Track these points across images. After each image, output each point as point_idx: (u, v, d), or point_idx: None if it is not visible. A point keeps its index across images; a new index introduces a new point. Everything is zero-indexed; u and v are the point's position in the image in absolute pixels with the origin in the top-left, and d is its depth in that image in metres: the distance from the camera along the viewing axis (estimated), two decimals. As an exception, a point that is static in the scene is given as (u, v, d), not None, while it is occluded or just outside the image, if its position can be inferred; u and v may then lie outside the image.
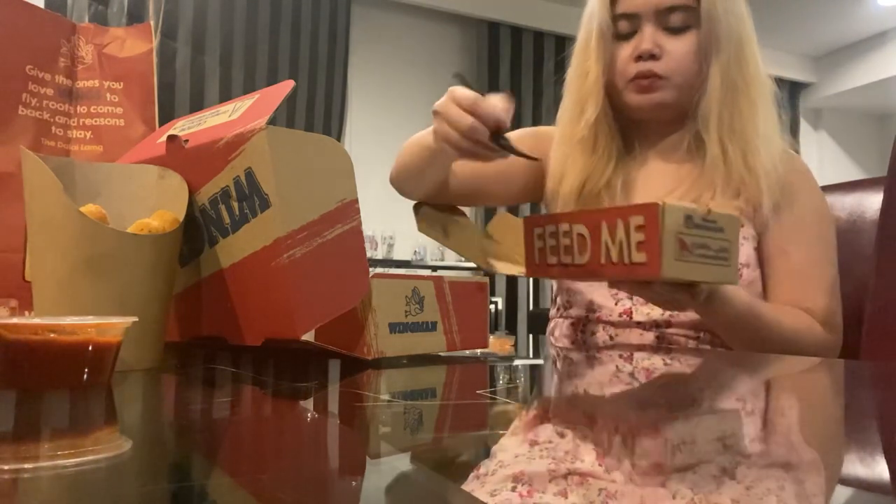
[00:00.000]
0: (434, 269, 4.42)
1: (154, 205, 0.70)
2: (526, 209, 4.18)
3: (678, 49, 0.96)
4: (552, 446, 0.32)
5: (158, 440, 0.37)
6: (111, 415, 0.44)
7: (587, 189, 1.02)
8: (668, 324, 0.96)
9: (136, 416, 0.44)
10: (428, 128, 0.94)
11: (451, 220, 1.02)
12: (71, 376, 0.47)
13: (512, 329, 4.63)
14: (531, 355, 0.94)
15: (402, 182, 1.04)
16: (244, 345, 0.71)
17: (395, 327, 0.71)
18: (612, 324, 0.99)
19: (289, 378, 0.61)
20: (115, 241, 0.59)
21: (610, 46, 1.00)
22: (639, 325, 0.97)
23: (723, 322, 0.88)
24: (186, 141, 0.73)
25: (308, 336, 0.68)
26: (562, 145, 1.05)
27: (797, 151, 1.05)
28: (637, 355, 0.79)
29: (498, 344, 0.84)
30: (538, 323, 3.17)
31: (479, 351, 0.80)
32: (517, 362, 0.76)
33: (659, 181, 1.03)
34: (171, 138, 0.75)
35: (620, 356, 0.78)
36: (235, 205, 0.68)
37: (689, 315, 0.94)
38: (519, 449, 0.32)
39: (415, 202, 1.05)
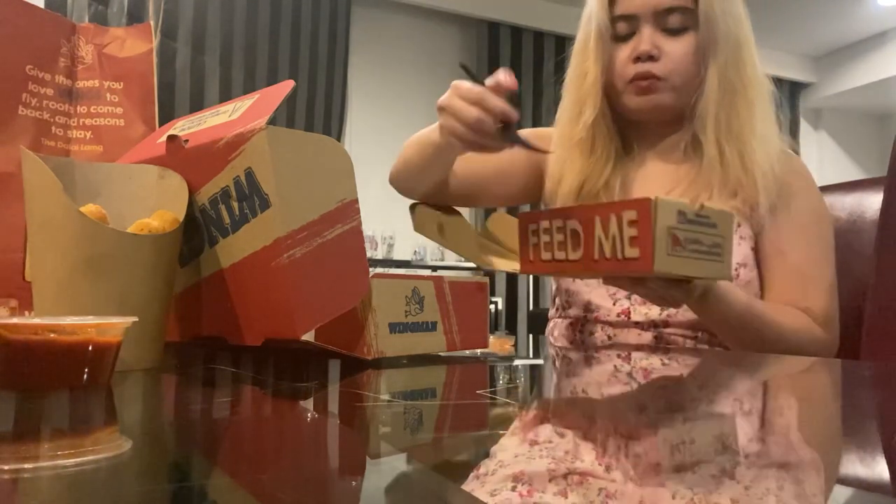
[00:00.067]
0: (434, 269, 4.42)
1: (154, 205, 0.70)
2: (525, 210, 4.17)
3: (676, 50, 0.96)
4: (552, 446, 0.32)
5: (158, 440, 0.37)
6: (111, 415, 0.44)
7: (585, 190, 1.02)
8: (666, 324, 0.96)
9: (136, 416, 0.44)
10: (430, 125, 0.94)
11: (447, 218, 1.02)
12: (71, 376, 0.47)
13: (512, 329, 4.63)
14: (531, 355, 0.94)
15: (402, 180, 1.04)
16: (244, 345, 0.71)
17: (395, 327, 0.71)
18: (611, 324, 0.99)
19: (289, 378, 0.61)
20: (115, 241, 0.59)
21: (608, 48, 1.00)
22: (637, 325, 0.98)
23: (719, 320, 0.88)
24: (186, 141, 0.73)
25: (308, 336, 0.68)
26: (560, 146, 1.06)
27: (797, 152, 1.05)
28: (635, 355, 0.79)
29: (498, 344, 0.84)
30: (538, 323, 3.17)
31: (479, 351, 0.80)
32: (517, 362, 0.76)
33: (657, 182, 1.03)
34: (171, 138, 0.75)
35: (619, 356, 0.78)
36: (235, 205, 0.68)
37: (687, 315, 0.94)
38: (519, 449, 0.32)
39: (411, 202, 1.05)
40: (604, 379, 0.63)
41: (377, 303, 0.69)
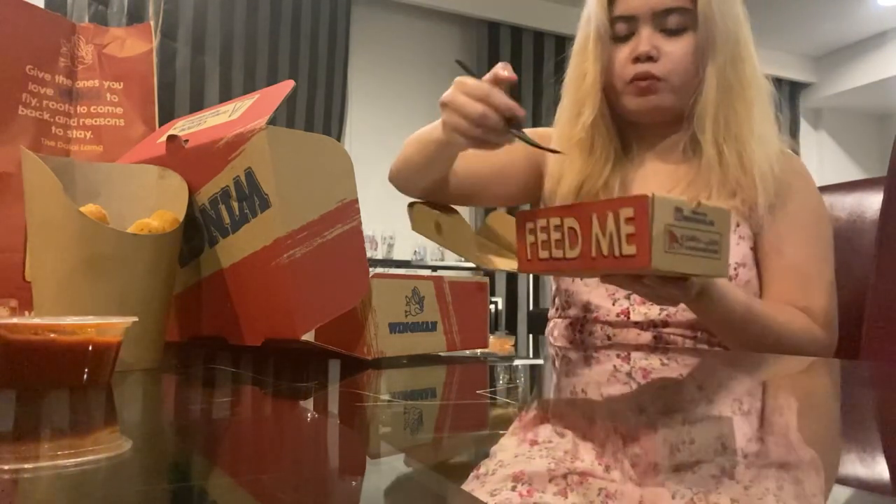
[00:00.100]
0: (434, 269, 4.42)
1: (154, 205, 0.70)
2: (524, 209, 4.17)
3: (675, 51, 0.97)
4: (552, 446, 0.32)
5: (158, 440, 0.37)
6: (111, 415, 0.44)
7: (585, 190, 1.02)
8: (665, 323, 0.96)
9: (136, 416, 0.44)
10: (431, 123, 0.94)
11: (445, 217, 1.02)
12: (71, 376, 0.47)
13: (512, 329, 4.63)
14: (531, 355, 0.94)
15: (403, 178, 1.04)
16: (244, 345, 0.71)
17: (395, 327, 0.71)
18: (610, 324, 0.99)
19: (289, 378, 0.61)
20: (115, 241, 0.59)
21: (608, 48, 1.00)
22: (636, 324, 0.98)
23: (717, 319, 0.88)
24: (186, 141, 0.74)
25: (308, 336, 0.68)
26: (560, 146, 1.06)
27: (797, 152, 1.05)
28: (634, 355, 0.79)
29: (498, 344, 0.84)
30: (538, 323, 3.17)
31: (479, 351, 0.80)
32: (517, 362, 0.76)
33: (656, 182, 1.03)
34: (171, 138, 0.75)
35: (618, 356, 0.78)
36: (235, 205, 0.68)
37: (686, 315, 0.95)
38: (519, 449, 0.32)
39: (409, 201, 1.05)
40: (603, 379, 0.63)
41: (377, 303, 0.69)
